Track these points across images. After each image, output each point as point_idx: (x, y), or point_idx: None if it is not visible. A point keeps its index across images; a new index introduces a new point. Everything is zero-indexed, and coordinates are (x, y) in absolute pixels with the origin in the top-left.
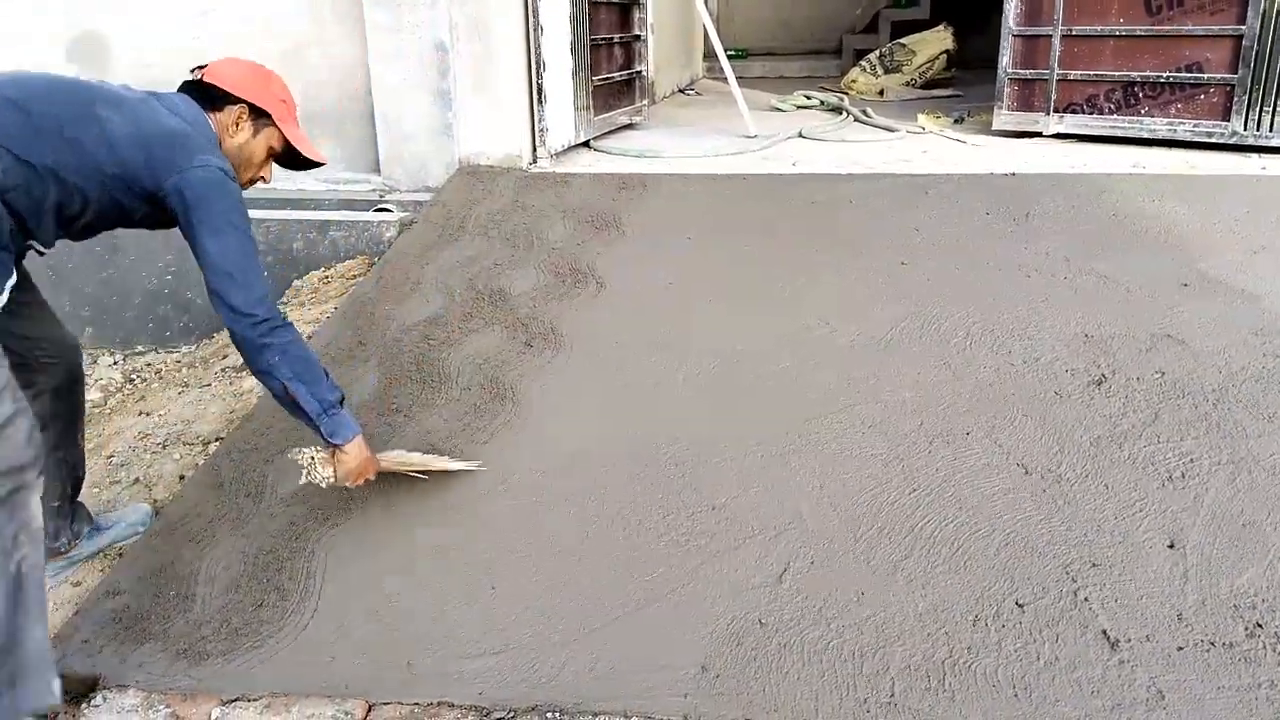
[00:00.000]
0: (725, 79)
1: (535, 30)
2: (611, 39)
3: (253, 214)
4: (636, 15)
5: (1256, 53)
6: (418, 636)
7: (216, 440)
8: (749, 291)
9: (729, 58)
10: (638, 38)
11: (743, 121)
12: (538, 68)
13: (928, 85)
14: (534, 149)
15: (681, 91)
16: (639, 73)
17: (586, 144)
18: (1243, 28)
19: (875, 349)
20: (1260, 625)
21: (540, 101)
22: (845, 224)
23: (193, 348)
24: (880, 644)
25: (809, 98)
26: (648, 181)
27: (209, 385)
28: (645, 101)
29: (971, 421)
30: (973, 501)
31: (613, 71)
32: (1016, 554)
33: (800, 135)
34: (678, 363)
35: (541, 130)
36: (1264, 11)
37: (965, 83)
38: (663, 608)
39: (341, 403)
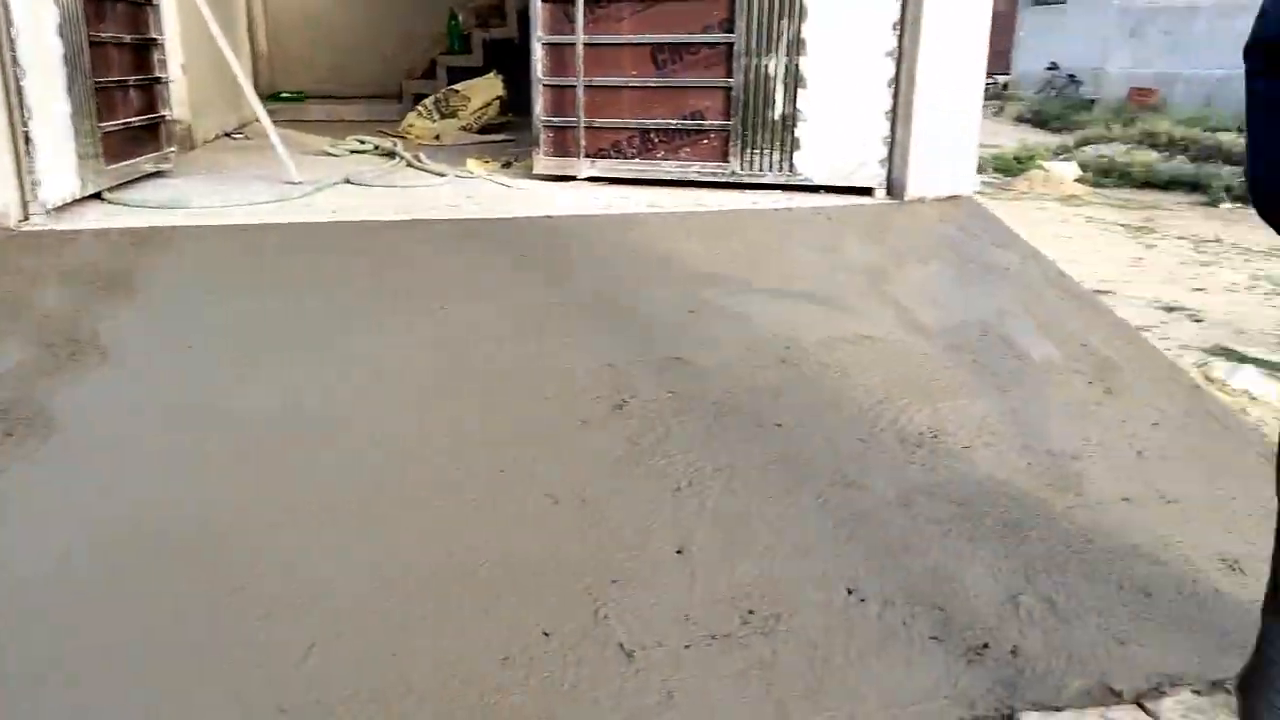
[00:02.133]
0: (284, 121)
1: (13, 72)
2: (125, 81)
3: None
4: (156, 56)
5: (743, 103)
6: None
7: None
8: (281, 348)
9: (284, 100)
10: (159, 80)
11: (286, 167)
12: (21, 114)
13: (484, 130)
14: (24, 205)
15: (228, 136)
16: (163, 117)
17: (99, 196)
18: (731, 81)
19: (414, 396)
20: (752, 612)
21: (28, 152)
22: (385, 272)
23: None
24: (412, 702)
25: (363, 142)
26: (170, 235)
27: None
28: (173, 148)
29: (508, 457)
30: (507, 538)
31: (130, 116)
32: (545, 584)
33: (347, 181)
34: (198, 434)
35: (33, 184)
36: (745, 68)
37: (521, 128)
38: (168, 714)
39: None
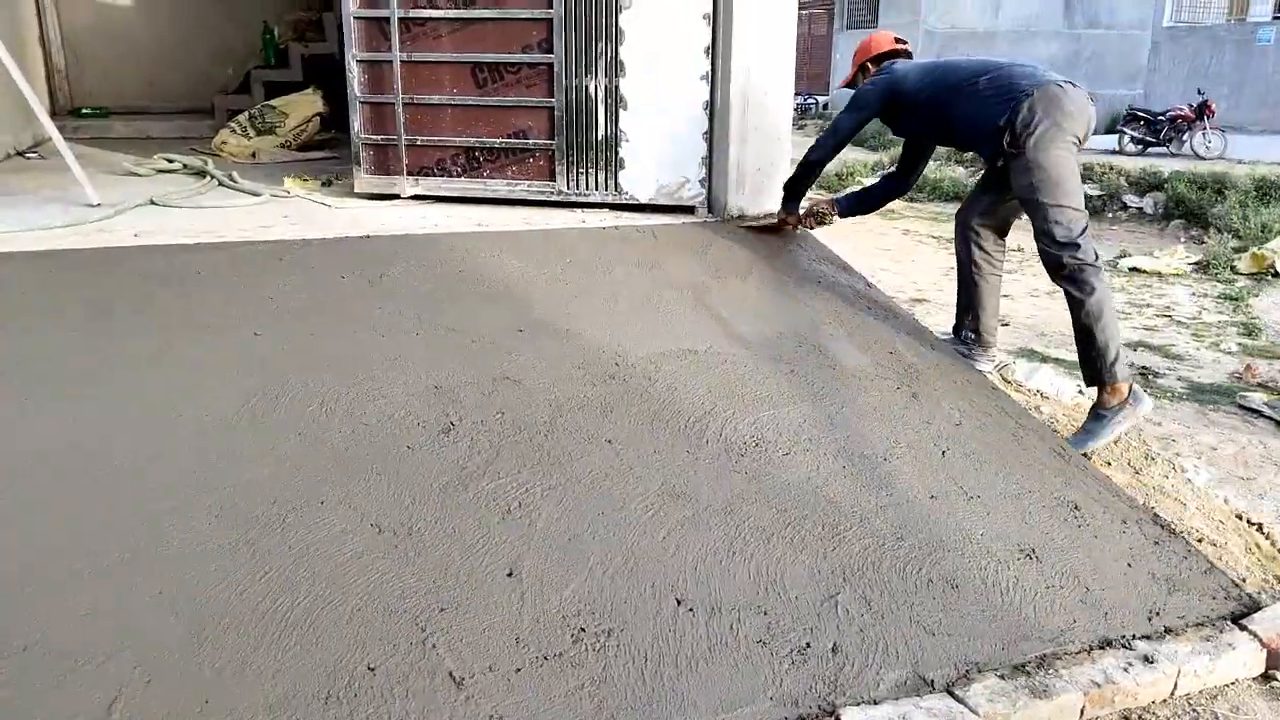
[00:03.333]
0: (87, 139)
1: None
2: None
3: None
4: None
5: (566, 122)
6: None
7: None
8: (73, 384)
9: (85, 116)
10: None
11: (83, 189)
12: None
13: (304, 147)
14: None
15: (21, 154)
16: None
17: None
18: (553, 101)
19: (226, 429)
20: (584, 630)
21: None
22: (193, 298)
23: None
24: None
25: (171, 161)
26: None
27: None
28: None
29: (327, 490)
30: (326, 572)
31: None
32: (369, 617)
33: (152, 203)
34: None
35: None
36: (567, 88)
37: (343, 145)
38: None
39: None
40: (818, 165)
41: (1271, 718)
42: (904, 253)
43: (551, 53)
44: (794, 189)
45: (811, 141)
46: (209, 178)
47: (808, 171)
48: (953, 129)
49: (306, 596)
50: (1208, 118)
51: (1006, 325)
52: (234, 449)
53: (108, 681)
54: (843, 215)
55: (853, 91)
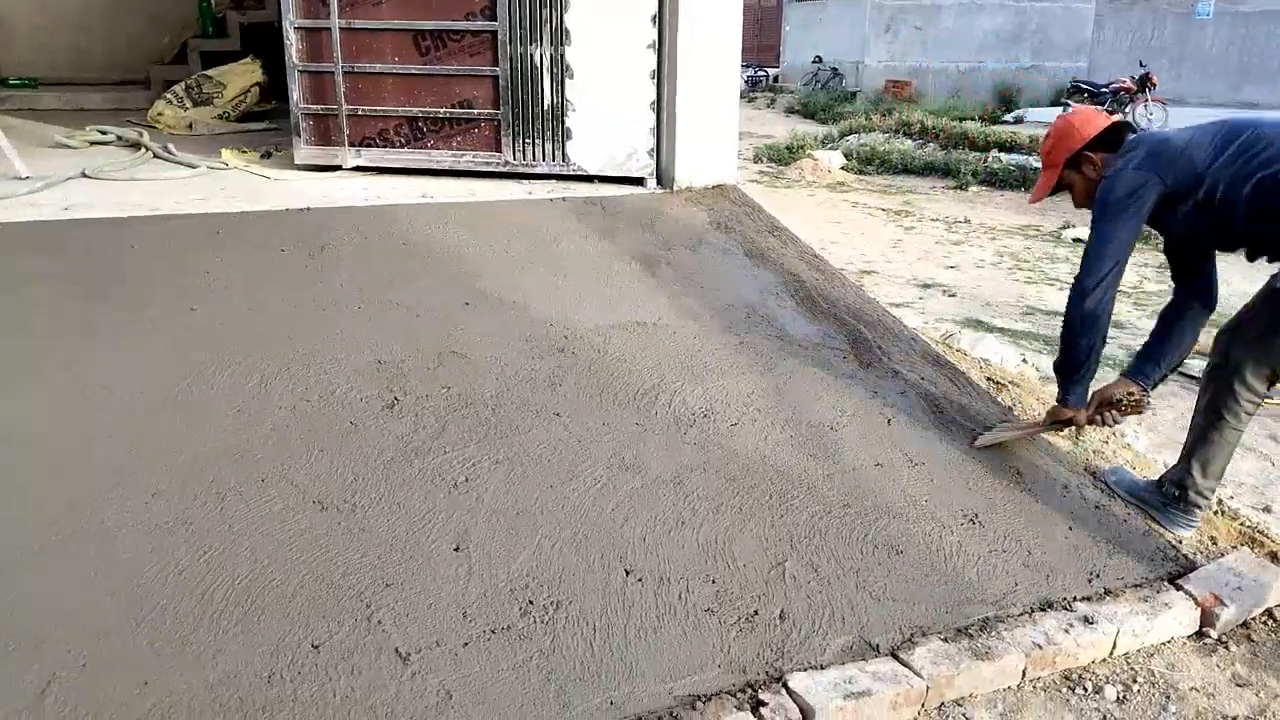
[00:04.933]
0: (14, 111)
1: None
2: None
3: None
4: None
5: (511, 91)
6: None
7: None
8: (3, 363)
9: (12, 86)
10: None
11: (10, 161)
12: None
13: (244, 118)
14: None
15: None
16: None
17: None
18: (498, 69)
19: (163, 407)
20: (532, 602)
21: None
22: (127, 273)
23: None
24: None
25: (104, 133)
26: None
27: None
28: None
29: (267, 467)
30: (268, 550)
31: None
32: (313, 595)
33: (84, 175)
34: None
35: None
36: (511, 56)
37: (285, 116)
38: None
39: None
40: (1104, 318)
41: (1205, 673)
42: (853, 225)
43: (495, 20)
44: (1077, 366)
45: (769, 116)
46: (144, 150)
47: (1094, 333)
48: (1258, 218)
49: (247, 575)
50: (1150, 90)
51: (953, 297)
52: (170, 428)
53: (41, 665)
54: (1154, 387)
55: (1097, 187)
